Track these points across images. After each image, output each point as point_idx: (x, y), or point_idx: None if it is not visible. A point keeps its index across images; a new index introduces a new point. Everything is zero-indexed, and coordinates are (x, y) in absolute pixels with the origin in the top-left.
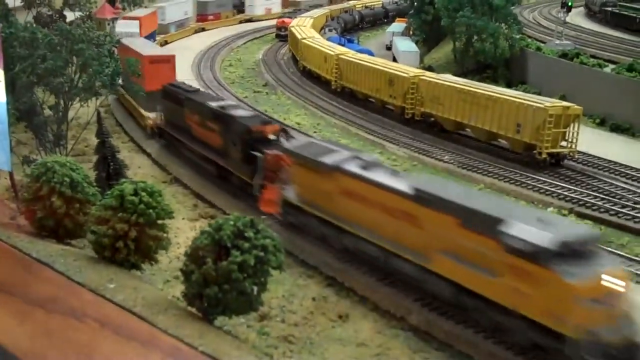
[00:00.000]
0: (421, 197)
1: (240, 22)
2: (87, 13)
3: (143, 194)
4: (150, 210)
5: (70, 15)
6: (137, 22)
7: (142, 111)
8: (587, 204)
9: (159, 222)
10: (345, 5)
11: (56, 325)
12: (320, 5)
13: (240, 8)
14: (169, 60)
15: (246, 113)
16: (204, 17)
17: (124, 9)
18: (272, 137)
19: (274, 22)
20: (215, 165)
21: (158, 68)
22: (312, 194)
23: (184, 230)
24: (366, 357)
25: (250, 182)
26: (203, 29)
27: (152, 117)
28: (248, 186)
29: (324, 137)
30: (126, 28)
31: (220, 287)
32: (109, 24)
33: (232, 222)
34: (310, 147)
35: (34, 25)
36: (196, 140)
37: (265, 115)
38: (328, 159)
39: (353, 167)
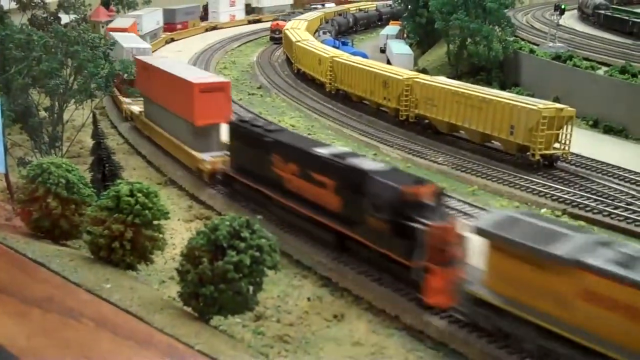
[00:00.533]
0: None
1: (206, 30)
2: (82, 16)
3: (139, 194)
4: (146, 211)
5: (65, 18)
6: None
7: (192, 151)
8: (580, 205)
9: (155, 222)
10: (339, 7)
11: (53, 325)
12: (283, 11)
13: (202, 16)
14: (224, 87)
15: (378, 166)
16: (172, 27)
17: (118, 11)
18: (429, 201)
19: (240, 30)
20: (334, 232)
21: (211, 98)
22: (525, 293)
23: (179, 231)
24: (361, 356)
25: (402, 261)
26: (172, 39)
27: (209, 159)
28: (396, 266)
29: (319, 139)
30: (135, 43)
31: (216, 287)
32: (103, 27)
33: (228, 223)
34: (517, 225)
35: (29, 27)
36: (292, 196)
37: (261, 117)
38: (558, 248)
39: (604, 262)
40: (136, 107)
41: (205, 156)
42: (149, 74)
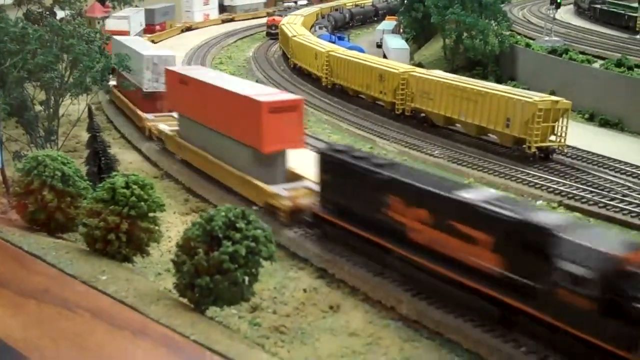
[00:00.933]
0: None
1: (182, 30)
2: (77, 11)
3: (134, 186)
4: (142, 203)
5: (60, 14)
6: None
7: (258, 183)
8: (576, 197)
9: (151, 214)
10: (335, 3)
11: (49, 316)
12: (256, 9)
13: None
14: (297, 106)
15: (558, 219)
16: (152, 28)
17: (114, 7)
18: None
19: (218, 30)
20: (496, 303)
21: (282, 120)
22: None
23: (175, 224)
24: (357, 347)
25: (616, 352)
26: (153, 42)
27: (286, 194)
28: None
29: (315, 133)
30: (153, 50)
31: (211, 277)
32: (99, 23)
33: (223, 213)
34: None
35: (24, 21)
36: (422, 250)
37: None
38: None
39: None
40: (165, 126)
41: (279, 190)
42: (189, 89)
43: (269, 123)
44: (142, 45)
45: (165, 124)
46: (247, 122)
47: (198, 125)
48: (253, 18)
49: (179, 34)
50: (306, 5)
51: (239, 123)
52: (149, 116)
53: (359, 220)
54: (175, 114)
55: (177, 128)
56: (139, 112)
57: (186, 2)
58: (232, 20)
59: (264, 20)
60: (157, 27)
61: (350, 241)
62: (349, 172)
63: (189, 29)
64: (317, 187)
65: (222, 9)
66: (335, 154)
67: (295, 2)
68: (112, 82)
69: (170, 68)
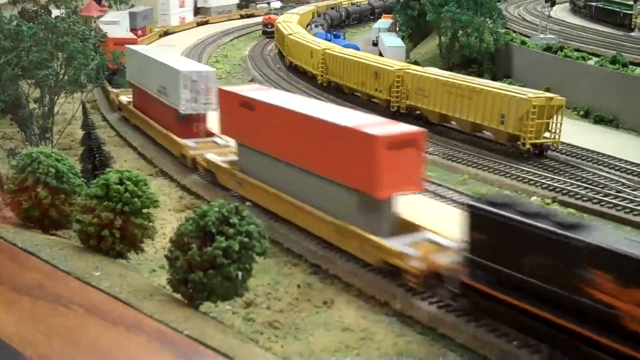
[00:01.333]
0: None
1: (160, 35)
2: (72, 9)
3: (128, 182)
4: (136, 199)
5: (55, 13)
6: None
7: (376, 239)
8: (570, 193)
9: (145, 211)
10: (331, 1)
11: (42, 312)
12: (230, 11)
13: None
14: (417, 140)
15: None
16: (135, 33)
17: (109, 6)
18: None
19: (197, 34)
20: None
21: (400, 157)
22: None
23: (170, 221)
24: (351, 341)
25: None
26: None
27: (415, 253)
28: None
29: None
30: (189, 65)
31: (205, 272)
32: (94, 22)
33: (216, 209)
34: None
35: (19, 19)
36: None
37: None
38: None
39: None
40: (214, 156)
41: (400, 245)
42: (258, 115)
43: (386, 162)
44: (171, 59)
45: (212, 151)
46: (353, 160)
47: (270, 159)
48: (228, 20)
49: (158, 39)
50: (280, 8)
51: (338, 160)
52: (189, 142)
53: (537, 297)
54: (218, 139)
55: (230, 158)
56: (175, 138)
57: (162, 5)
58: (206, 22)
59: (240, 23)
60: (139, 32)
61: (517, 320)
62: (518, 233)
63: (166, 33)
64: (463, 248)
65: (197, 11)
66: (494, 208)
67: (268, 4)
68: (124, 98)
69: (227, 88)
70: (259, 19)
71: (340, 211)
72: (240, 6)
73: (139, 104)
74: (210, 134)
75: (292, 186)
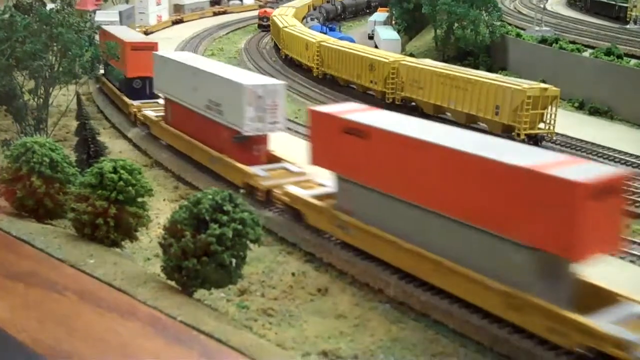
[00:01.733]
0: None
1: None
2: (67, 2)
3: (122, 171)
4: (130, 188)
5: (50, 6)
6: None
7: (580, 319)
8: None
9: (139, 199)
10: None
11: (36, 298)
12: (202, 8)
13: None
14: (619, 188)
15: None
16: None
17: (105, 1)
18: None
19: (177, 38)
20: None
21: (602, 209)
22: None
23: (164, 211)
24: (344, 328)
25: None
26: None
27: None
28: None
29: (306, 122)
30: (250, 78)
31: (198, 260)
32: (90, 15)
33: (210, 196)
34: None
35: (13, 10)
36: None
37: None
38: None
39: None
40: (297, 189)
41: (607, 325)
42: (373, 146)
43: (586, 215)
44: (222, 68)
45: (289, 181)
46: (534, 210)
47: (392, 202)
48: (200, 18)
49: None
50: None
51: (505, 208)
52: (260, 171)
53: None
54: (288, 165)
55: (317, 191)
56: (239, 165)
57: (140, 3)
58: (181, 21)
59: (216, 22)
60: None
61: None
62: None
63: (145, 33)
64: None
65: (174, 8)
66: None
67: (241, 0)
68: (150, 112)
69: (321, 109)
70: (233, 17)
71: (507, 274)
72: (212, 3)
73: (176, 122)
74: (273, 158)
75: (423, 236)
